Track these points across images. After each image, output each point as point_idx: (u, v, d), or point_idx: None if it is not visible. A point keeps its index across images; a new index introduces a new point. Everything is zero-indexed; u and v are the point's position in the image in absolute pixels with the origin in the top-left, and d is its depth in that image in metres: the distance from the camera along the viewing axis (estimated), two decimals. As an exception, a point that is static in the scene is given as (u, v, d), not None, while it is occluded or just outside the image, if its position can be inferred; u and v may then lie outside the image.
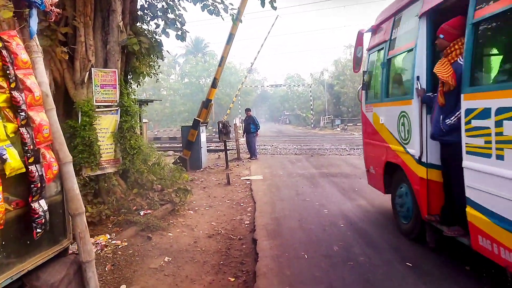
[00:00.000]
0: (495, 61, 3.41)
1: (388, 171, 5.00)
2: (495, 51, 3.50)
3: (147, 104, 12.64)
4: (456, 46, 3.36)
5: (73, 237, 2.59)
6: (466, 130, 3.04)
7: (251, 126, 13.13)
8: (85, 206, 5.14)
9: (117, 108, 5.94)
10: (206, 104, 11.62)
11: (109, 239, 4.90)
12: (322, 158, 12.66)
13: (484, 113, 2.77)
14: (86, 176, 5.47)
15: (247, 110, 14.01)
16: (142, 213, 5.59)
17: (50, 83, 5.40)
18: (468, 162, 3.05)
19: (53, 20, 2.36)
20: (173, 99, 49.89)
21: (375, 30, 5.49)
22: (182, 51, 57.62)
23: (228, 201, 7.15)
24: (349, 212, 5.92)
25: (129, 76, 6.58)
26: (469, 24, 3.01)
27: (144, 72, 6.64)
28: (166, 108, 47.12)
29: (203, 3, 7.14)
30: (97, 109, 5.68)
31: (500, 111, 2.60)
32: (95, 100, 5.68)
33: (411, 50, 4.16)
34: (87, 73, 5.58)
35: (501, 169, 2.63)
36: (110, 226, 5.29)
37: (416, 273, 3.59)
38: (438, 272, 3.60)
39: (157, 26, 6.91)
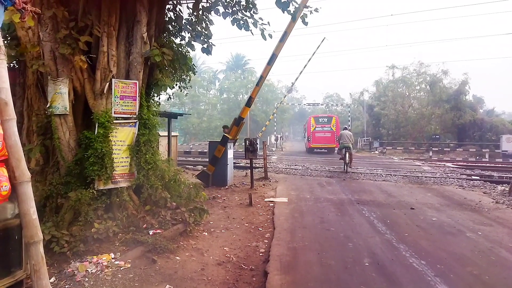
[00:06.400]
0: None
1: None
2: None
3: (176, 118, 12.59)
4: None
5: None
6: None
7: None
8: (92, 222, 5.02)
9: (135, 121, 5.76)
10: (238, 122, 11.25)
11: (112, 259, 4.61)
12: (354, 183, 11.89)
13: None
14: (99, 189, 5.28)
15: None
16: (151, 232, 5.28)
17: (69, 92, 5.32)
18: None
19: (25, 19, 2.08)
20: (211, 114, 50.57)
21: (305, 124, 37.44)
22: (222, 67, 58.70)
23: (247, 224, 6.71)
24: (377, 248, 5.27)
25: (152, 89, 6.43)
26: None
27: (167, 85, 6.45)
28: (203, 122, 47.76)
29: (233, 17, 6.92)
30: (115, 121, 5.52)
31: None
32: (114, 112, 5.53)
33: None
34: (108, 83, 5.45)
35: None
36: (117, 244, 5.00)
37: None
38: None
39: (182, 38, 6.75)
